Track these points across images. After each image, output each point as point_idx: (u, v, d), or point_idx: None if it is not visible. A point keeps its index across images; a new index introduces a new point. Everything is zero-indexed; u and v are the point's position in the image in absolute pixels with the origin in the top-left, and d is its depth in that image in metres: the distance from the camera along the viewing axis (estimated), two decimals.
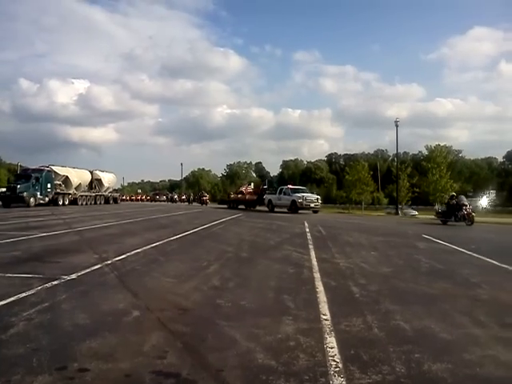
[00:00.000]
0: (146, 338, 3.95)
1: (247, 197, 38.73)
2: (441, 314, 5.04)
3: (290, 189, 32.94)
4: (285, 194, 32.35)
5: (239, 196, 40.37)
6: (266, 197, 35.12)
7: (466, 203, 21.72)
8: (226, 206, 41.21)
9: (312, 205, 30.91)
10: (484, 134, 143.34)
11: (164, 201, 77.82)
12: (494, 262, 9.17)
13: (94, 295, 5.63)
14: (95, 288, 6.02)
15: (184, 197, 72.24)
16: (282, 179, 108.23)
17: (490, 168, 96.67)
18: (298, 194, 31.64)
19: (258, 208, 36.30)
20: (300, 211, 30.28)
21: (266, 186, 39.35)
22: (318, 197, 32.93)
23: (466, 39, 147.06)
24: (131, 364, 3.37)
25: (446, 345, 3.98)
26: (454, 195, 23.19)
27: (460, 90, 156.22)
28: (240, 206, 38.53)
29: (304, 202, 30.49)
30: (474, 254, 10.30)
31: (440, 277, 7.51)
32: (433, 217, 26.76)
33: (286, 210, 31.82)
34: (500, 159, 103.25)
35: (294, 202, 30.74)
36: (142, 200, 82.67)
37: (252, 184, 45.42)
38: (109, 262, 7.99)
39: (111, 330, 4.18)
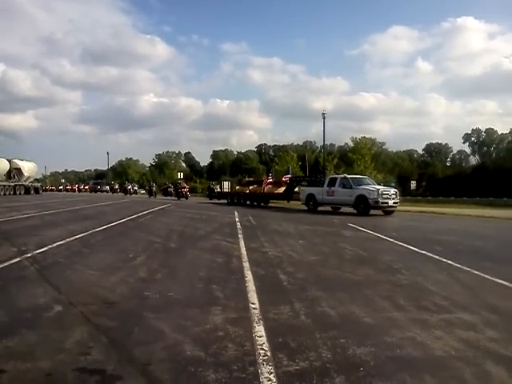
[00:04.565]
0: (68, 334, 3.78)
1: (265, 189, 28.94)
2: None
3: (351, 179, 22.20)
4: (344, 185, 21.37)
5: (250, 188, 30.78)
6: (304, 190, 24.76)
7: None
8: (226, 202, 31.68)
9: (390, 202, 19.91)
10: (405, 127, 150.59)
11: (106, 191, 68.27)
12: None
13: (12, 290, 5.30)
14: (13, 282, 5.69)
15: (137, 187, 61.55)
16: (211, 169, 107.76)
17: (410, 160, 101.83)
18: (368, 187, 20.69)
19: (270, 204, 29.14)
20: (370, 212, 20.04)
21: (289, 175, 29.64)
22: (397, 191, 21.13)
23: (385, 37, 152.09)
24: (52, 362, 3.21)
25: (369, 329, 4.14)
26: None
27: (381, 84, 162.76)
28: (247, 202, 29.75)
29: (380, 199, 19.61)
30: None
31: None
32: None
33: (330, 208, 23.00)
34: (420, 151, 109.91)
35: (362, 197, 20.06)
36: (79, 190, 75.50)
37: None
38: (29, 254, 7.58)
39: (30, 326, 3.96)
